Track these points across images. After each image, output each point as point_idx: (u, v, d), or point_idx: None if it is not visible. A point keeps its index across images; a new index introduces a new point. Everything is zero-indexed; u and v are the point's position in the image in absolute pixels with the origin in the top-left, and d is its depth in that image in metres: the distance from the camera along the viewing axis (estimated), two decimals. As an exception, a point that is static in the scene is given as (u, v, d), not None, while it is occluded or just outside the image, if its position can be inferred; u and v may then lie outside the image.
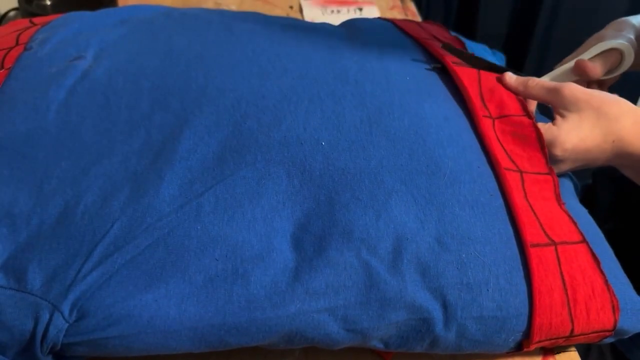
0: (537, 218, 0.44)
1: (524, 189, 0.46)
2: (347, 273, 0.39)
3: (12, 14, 0.86)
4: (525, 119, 0.51)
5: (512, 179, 0.46)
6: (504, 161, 0.47)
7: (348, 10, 1.01)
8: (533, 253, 0.42)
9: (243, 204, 0.41)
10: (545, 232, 0.44)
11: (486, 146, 0.48)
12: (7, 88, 0.48)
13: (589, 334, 0.42)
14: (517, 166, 0.48)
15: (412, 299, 0.39)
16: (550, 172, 0.49)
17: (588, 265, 0.43)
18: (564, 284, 0.42)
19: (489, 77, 0.56)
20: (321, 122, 0.46)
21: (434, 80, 0.55)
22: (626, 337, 0.45)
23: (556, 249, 0.43)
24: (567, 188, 0.52)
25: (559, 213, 0.46)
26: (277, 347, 0.41)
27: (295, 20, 0.64)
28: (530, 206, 0.45)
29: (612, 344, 0.64)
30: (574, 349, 0.49)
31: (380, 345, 0.42)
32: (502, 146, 0.49)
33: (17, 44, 0.53)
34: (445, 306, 0.40)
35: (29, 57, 0.51)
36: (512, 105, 0.53)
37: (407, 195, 0.42)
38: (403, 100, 0.50)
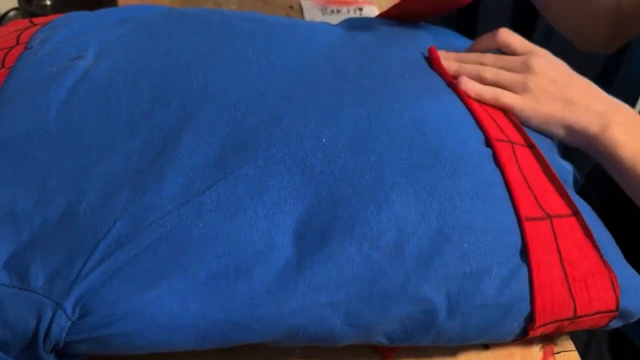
0: (532, 191, 0.45)
1: (516, 159, 0.46)
2: (349, 267, 0.39)
3: (12, 13, 0.86)
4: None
5: (506, 153, 0.46)
6: (494, 133, 0.48)
7: (348, 10, 1.01)
8: (528, 227, 0.42)
9: (244, 201, 0.41)
10: (539, 204, 0.44)
11: (486, 136, 0.48)
12: (7, 87, 0.48)
13: (593, 314, 0.42)
14: (507, 137, 0.48)
15: (415, 291, 0.40)
16: (532, 145, 0.49)
17: (582, 240, 0.43)
18: (562, 261, 0.42)
19: None
20: (321, 119, 0.46)
21: (435, 76, 0.55)
22: (633, 320, 0.45)
23: (551, 223, 0.43)
24: (564, 179, 0.52)
25: (549, 183, 0.46)
26: (280, 343, 0.41)
27: (295, 20, 0.64)
28: (524, 178, 0.45)
29: (611, 344, 0.65)
30: (574, 349, 0.49)
31: (384, 340, 0.42)
32: (506, 136, 0.49)
33: (17, 43, 0.54)
34: (448, 297, 0.40)
35: (29, 57, 0.51)
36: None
37: (408, 188, 0.43)
38: (402, 95, 0.50)
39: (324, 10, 0.99)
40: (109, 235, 0.39)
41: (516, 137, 0.50)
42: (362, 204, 0.41)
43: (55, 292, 0.37)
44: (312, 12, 0.98)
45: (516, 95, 0.54)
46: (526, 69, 0.55)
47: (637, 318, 0.45)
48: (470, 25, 1.49)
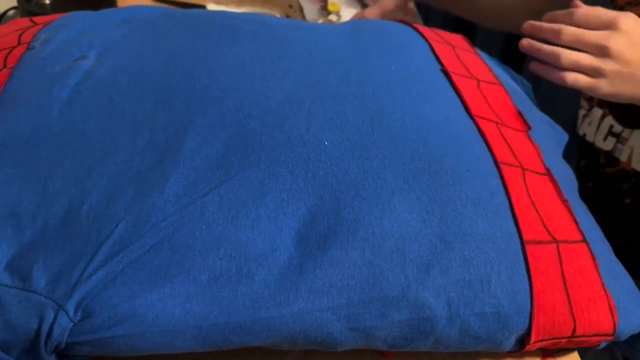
0: (539, 215, 0.45)
1: (525, 185, 0.46)
2: (351, 272, 0.40)
3: (11, 12, 0.86)
4: (523, 134, 0.53)
5: (513, 175, 0.46)
6: (505, 158, 0.48)
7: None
8: (531, 250, 0.42)
9: (247, 203, 0.41)
10: (547, 229, 0.44)
11: (487, 143, 0.49)
12: (10, 87, 0.48)
13: (591, 336, 0.43)
14: (519, 162, 0.48)
15: (415, 297, 0.40)
16: (547, 173, 0.49)
17: (587, 266, 0.44)
18: (565, 283, 0.42)
19: (488, 87, 0.57)
20: (323, 123, 0.46)
21: (438, 82, 0.55)
22: (623, 339, 0.45)
23: (558, 247, 0.43)
24: (568, 184, 0.53)
25: (560, 210, 0.46)
26: (280, 347, 0.41)
27: (297, 21, 0.64)
28: (532, 203, 0.45)
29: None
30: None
31: (383, 346, 0.42)
32: (507, 143, 0.49)
33: (19, 43, 0.53)
34: (448, 303, 0.40)
35: (31, 57, 0.51)
36: (512, 117, 0.55)
37: (410, 194, 0.43)
38: (404, 101, 0.50)
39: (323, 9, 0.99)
40: (112, 237, 0.39)
41: (531, 164, 0.50)
42: (365, 208, 0.42)
43: (58, 294, 0.37)
44: (312, 11, 0.98)
45: (590, 80, 0.58)
46: (602, 52, 0.57)
47: (625, 338, 0.45)
48: (470, 25, 1.49)
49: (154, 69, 0.50)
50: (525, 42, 0.62)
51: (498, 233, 0.43)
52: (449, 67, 0.57)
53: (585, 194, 0.72)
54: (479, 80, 0.58)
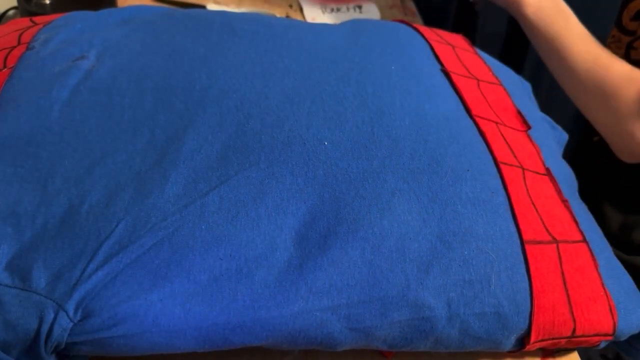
0: (539, 215, 0.45)
1: (525, 185, 0.46)
2: (351, 272, 0.40)
3: (11, 12, 0.86)
4: (523, 134, 0.53)
5: (513, 175, 0.46)
6: (505, 158, 0.48)
7: (347, 9, 1.01)
8: (531, 250, 0.42)
9: (247, 204, 0.41)
10: (547, 229, 0.44)
11: (487, 143, 0.49)
12: (9, 87, 0.48)
13: (591, 336, 0.43)
14: (519, 162, 0.48)
15: (415, 297, 0.40)
16: (547, 173, 0.49)
17: (587, 266, 0.44)
18: (565, 283, 0.42)
19: (488, 87, 0.57)
20: (323, 123, 0.46)
21: (438, 82, 0.55)
22: (623, 339, 0.45)
23: (558, 247, 0.43)
24: (568, 184, 0.53)
25: (560, 210, 0.46)
26: (280, 347, 0.41)
27: (297, 21, 0.64)
28: (532, 203, 0.45)
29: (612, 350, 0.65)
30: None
31: (384, 346, 0.42)
32: (507, 143, 0.50)
33: (19, 43, 0.53)
34: (448, 303, 0.40)
35: (31, 57, 0.51)
36: (512, 117, 0.55)
37: (410, 193, 0.43)
38: (404, 100, 0.50)
39: (323, 9, 0.99)
40: (112, 237, 0.39)
41: (531, 164, 0.50)
42: (365, 208, 0.42)
43: (58, 294, 0.37)
44: (312, 11, 0.98)
45: None
46: None
47: (626, 338, 0.45)
48: (470, 25, 1.49)
49: (154, 69, 0.50)
50: None
51: (498, 233, 0.43)
52: (449, 67, 0.57)
53: (592, 148, 0.77)
54: (479, 80, 0.58)
